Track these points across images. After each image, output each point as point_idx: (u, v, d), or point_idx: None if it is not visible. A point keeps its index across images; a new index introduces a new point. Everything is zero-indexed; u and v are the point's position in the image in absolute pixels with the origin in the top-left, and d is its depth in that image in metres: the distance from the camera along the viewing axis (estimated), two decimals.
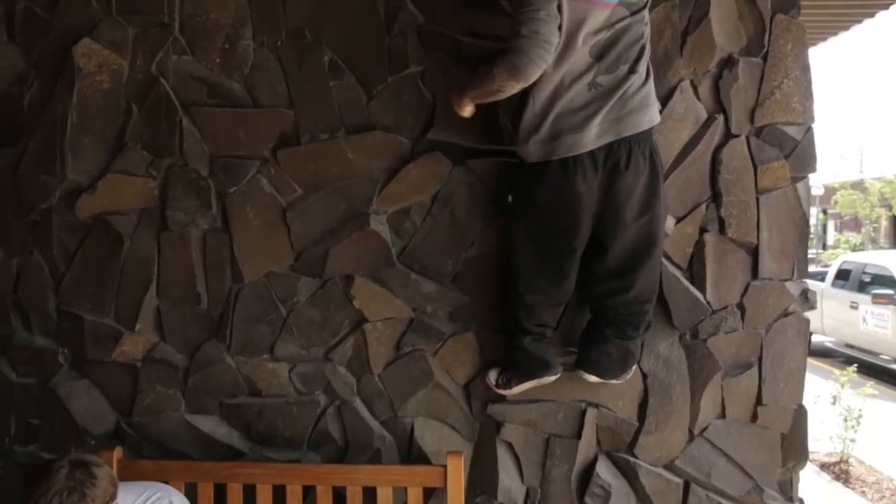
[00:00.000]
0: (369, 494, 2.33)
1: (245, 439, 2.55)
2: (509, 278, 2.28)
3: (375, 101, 2.39)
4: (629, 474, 2.42)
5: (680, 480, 2.40)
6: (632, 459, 2.40)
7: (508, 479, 2.45)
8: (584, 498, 2.42)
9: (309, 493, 2.39)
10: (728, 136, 2.34)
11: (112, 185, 2.50)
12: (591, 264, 2.21)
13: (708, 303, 2.36)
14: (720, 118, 2.33)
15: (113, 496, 1.66)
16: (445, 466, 2.27)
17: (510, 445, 2.45)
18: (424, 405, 2.47)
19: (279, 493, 2.34)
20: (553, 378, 2.31)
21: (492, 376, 2.39)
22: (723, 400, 2.39)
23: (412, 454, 2.49)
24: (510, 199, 2.26)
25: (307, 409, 2.51)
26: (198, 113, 2.45)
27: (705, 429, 2.39)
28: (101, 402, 2.60)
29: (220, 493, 2.36)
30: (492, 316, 2.41)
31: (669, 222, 2.32)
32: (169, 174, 2.49)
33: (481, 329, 2.43)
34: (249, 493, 2.35)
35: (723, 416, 2.39)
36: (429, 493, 2.39)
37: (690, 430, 2.39)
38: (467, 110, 2.17)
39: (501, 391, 2.37)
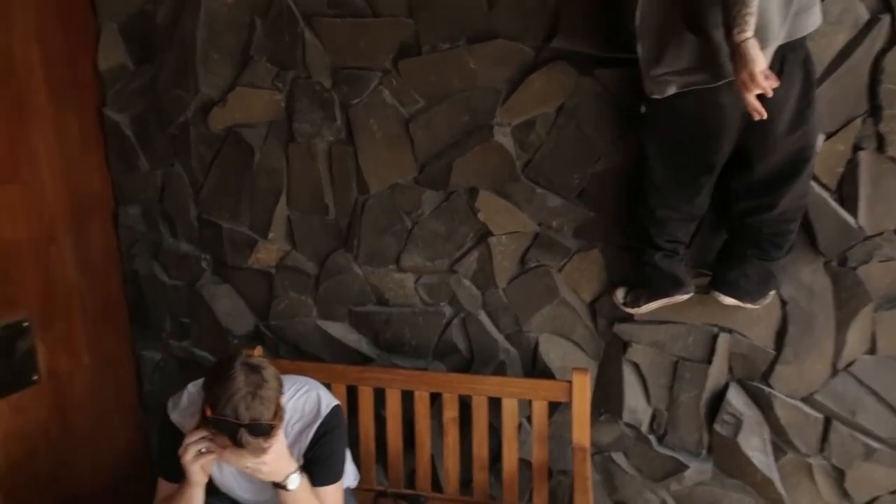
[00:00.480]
0: (494, 405, 2.38)
1: (373, 346, 2.65)
2: (639, 192, 2.13)
3: (497, 7, 2.23)
4: (763, 404, 2.30)
5: (820, 415, 2.26)
6: (766, 389, 2.28)
7: (634, 400, 2.41)
8: (713, 424, 2.34)
9: (436, 399, 2.47)
10: (895, 39, 1.98)
11: (241, 98, 2.54)
12: (731, 180, 2.03)
13: (860, 228, 2.11)
14: (886, 19, 1.97)
15: (281, 392, 1.77)
16: (571, 382, 2.27)
17: (636, 366, 2.39)
18: (549, 321, 2.44)
19: (407, 398, 2.44)
20: (684, 297, 2.19)
21: (619, 294, 2.32)
22: (873, 334, 2.18)
23: (536, 369, 2.49)
24: (643, 109, 2.07)
25: (433, 319, 2.55)
26: (319, 24, 2.40)
27: (851, 363, 2.21)
28: (240, 305, 2.78)
29: (352, 394, 2.49)
30: (618, 233, 2.31)
31: (818, 139, 2.06)
32: (294, 86, 2.48)
33: (607, 246, 2.33)
34: (379, 397, 2.47)
35: (872, 351, 2.19)
36: (553, 408, 2.41)
37: (833, 365, 2.22)
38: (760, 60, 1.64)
39: (629, 310, 2.30)
